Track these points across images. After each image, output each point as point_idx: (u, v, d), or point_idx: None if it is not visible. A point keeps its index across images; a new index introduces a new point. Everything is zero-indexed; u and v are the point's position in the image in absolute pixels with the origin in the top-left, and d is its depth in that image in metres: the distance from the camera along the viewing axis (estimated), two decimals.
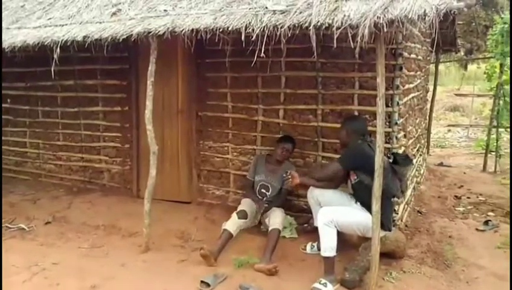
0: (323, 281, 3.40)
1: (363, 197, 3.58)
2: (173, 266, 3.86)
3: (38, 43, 4.19)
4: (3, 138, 6.52)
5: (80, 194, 5.74)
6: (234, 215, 4.14)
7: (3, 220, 4.94)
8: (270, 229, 4.05)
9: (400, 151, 4.31)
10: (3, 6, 5.37)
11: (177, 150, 5.35)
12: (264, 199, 4.42)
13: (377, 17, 2.87)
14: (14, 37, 4.47)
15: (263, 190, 4.45)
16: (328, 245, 3.42)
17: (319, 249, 3.93)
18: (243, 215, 4.14)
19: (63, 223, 4.91)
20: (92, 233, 4.62)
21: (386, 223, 3.55)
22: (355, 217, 3.55)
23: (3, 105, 6.40)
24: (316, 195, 3.94)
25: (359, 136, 3.69)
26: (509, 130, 8.68)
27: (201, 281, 3.46)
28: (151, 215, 4.11)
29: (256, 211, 4.32)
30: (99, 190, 5.82)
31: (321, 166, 4.43)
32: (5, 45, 4.41)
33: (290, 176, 3.97)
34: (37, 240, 4.47)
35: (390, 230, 3.66)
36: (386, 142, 3.96)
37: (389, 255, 3.81)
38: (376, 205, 3.22)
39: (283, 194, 4.44)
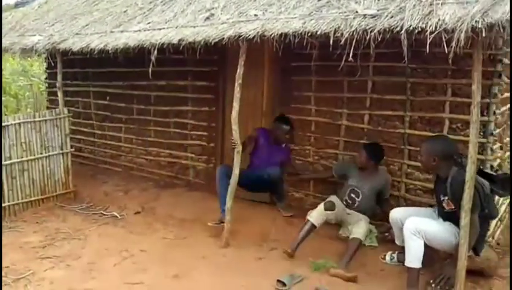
0: None
1: (453, 222, 3.39)
2: (251, 262, 3.96)
3: (138, 46, 4.49)
4: (101, 132, 7.04)
5: (167, 188, 6.00)
6: (321, 205, 4.06)
7: (98, 207, 5.41)
8: (351, 237, 3.99)
9: (495, 163, 4.05)
10: (108, 12, 5.82)
11: None
12: (353, 204, 4.27)
13: (475, 21, 2.73)
14: (117, 40, 4.81)
15: (353, 195, 4.30)
16: (414, 256, 3.29)
17: (399, 261, 3.82)
18: (330, 206, 4.03)
19: (151, 214, 5.22)
20: (177, 225, 4.86)
21: (478, 247, 3.35)
22: (444, 232, 3.36)
23: (102, 102, 6.94)
24: (398, 219, 3.69)
25: (450, 161, 3.38)
26: None
27: (278, 280, 3.52)
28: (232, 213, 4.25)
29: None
30: (185, 185, 6.05)
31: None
32: (109, 46, 4.78)
33: None
34: (127, 228, 4.82)
35: (479, 255, 3.44)
36: (479, 153, 3.73)
37: (476, 273, 3.58)
38: (465, 219, 3.05)
39: (378, 212, 4.38)
